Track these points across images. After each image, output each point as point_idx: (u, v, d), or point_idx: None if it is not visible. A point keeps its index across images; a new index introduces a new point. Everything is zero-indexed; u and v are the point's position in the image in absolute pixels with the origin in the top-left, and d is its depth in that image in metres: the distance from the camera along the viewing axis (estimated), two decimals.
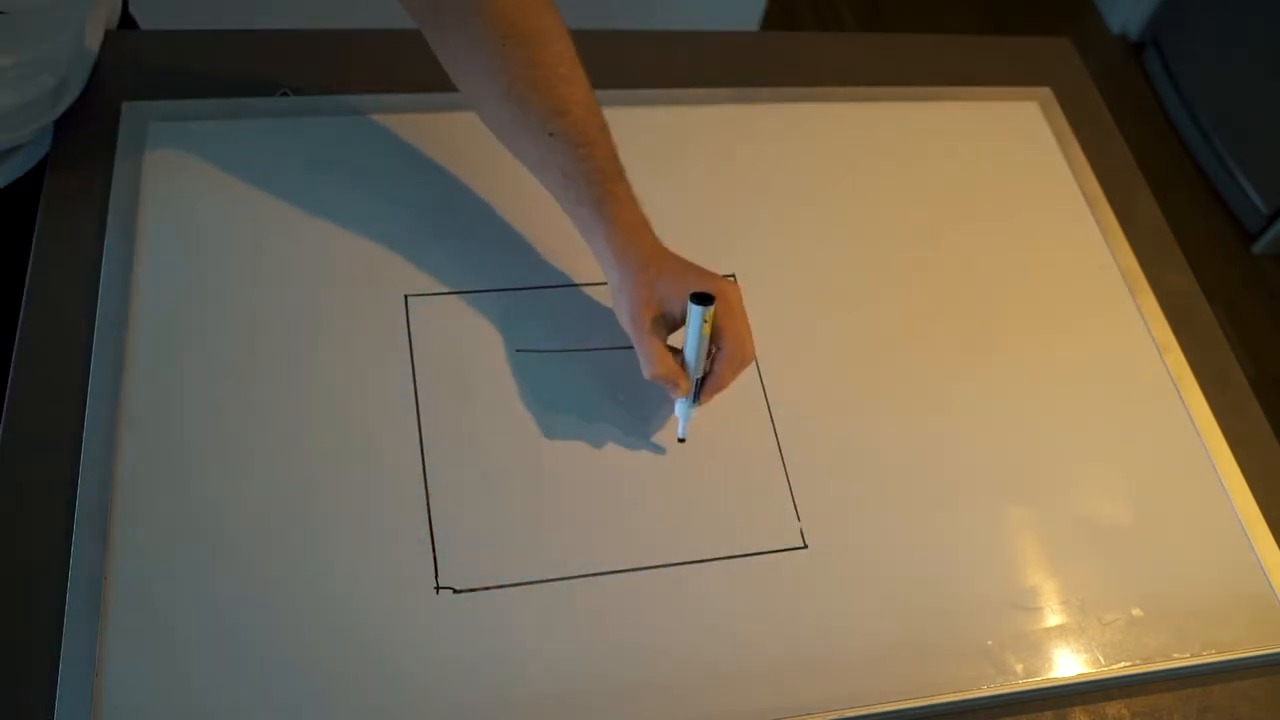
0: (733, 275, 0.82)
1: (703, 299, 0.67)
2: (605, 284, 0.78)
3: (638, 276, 0.69)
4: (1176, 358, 0.86)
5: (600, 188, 0.69)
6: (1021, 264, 0.89)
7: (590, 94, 0.69)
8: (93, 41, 0.82)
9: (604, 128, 0.70)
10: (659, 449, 0.74)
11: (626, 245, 0.70)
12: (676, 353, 0.71)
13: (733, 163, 0.89)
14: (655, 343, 0.69)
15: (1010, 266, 0.89)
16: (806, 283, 0.84)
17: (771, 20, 1.97)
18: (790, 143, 0.91)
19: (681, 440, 0.74)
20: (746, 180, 0.88)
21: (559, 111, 0.68)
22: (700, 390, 0.71)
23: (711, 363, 0.70)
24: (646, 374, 0.70)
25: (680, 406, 0.72)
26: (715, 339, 0.69)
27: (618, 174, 0.70)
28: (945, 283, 0.86)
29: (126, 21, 0.91)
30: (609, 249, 0.70)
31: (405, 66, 0.86)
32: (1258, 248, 2.15)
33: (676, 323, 0.70)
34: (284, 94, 0.85)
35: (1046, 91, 1.01)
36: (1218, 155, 2.20)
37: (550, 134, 0.68)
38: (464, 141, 0.83)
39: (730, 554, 0.71)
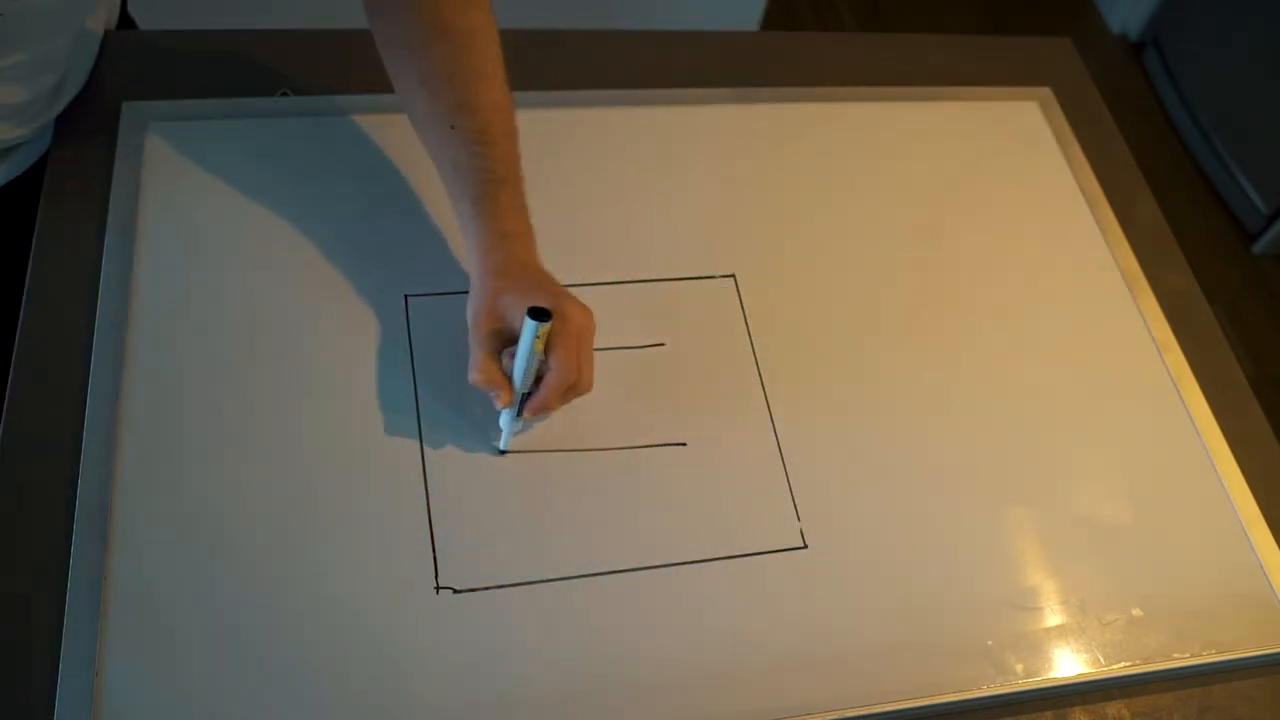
0: (732, 275, 0.82)
1: (539, 314, 0.65)
2: (604, 284, 0.79)
3: (489, 283, 0.68)
4: (1176, 358, 0.86)
5: (484, 188, 0.69)
6: (1021, 264, 0.89)
7: (507, 97, 0.69)
8: (92, 41, 0.82)
9: (511, 134, 0.69)
10: (659, 450, 0.74)
11: (491, 250, 0.69)
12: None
13: (733, 163, 0.89)
14: (481, 351, 0.68)
15: (1010, 266, 0.89)
16: (806, 283, 0.84)
17: (771, 20, 1.97)
18: (790, 143, 0.91)
19: (502, 453, 0.72)
20: (746, 180, 0.88)
21: (467, 106, 0.68)
22: (523, 406, 0.69)
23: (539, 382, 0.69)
24: (469, 379, 0.69)
25: (504, 418, 0.70)
26: (547, 359, 0.68)
27: (509, 179, 0.69)
28: (945, 283, 0.86)
29: (125, 21, 0.91)
30: (475, 248, 0.69)
31: None
32: (1258, 248, 2.15)
33: (516, 338, 0.68)
34: (284, 94, 0.85)
35: (1046, 91, 1.01)
36: (1218, 155, 2.20)
37: (452, 126, 0.68)
38: None
39: (730, 554, 0.71)
